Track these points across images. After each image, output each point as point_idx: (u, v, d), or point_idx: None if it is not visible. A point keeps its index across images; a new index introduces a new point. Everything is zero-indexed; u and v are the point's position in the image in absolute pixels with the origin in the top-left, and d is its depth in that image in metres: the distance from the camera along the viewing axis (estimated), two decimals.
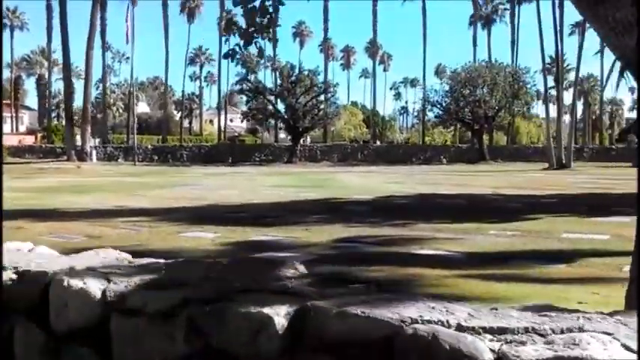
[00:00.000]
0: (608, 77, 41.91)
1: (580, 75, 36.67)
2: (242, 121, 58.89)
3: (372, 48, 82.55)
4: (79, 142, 43.99)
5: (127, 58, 59.55)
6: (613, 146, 51.85)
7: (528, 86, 45.36)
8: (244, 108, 52.26)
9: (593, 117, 72.79)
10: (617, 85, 34.26)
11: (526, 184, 20.05)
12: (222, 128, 66.57)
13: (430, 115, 50.31)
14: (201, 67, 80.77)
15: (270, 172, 29.88)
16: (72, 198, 14.57)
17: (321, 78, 49.46)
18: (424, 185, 19.36)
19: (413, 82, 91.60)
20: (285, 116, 45.28)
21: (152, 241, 7.69)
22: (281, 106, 46.33)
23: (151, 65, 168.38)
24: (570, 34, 65.64)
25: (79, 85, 54.13)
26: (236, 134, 71.55)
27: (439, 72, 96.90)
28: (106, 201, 13.55)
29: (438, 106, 46.85)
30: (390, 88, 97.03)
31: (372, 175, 27.35)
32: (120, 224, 9.33)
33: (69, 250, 6.66)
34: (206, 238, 8.00)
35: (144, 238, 7.95)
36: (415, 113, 79.78)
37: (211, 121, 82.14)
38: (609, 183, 19.07)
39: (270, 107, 46.26)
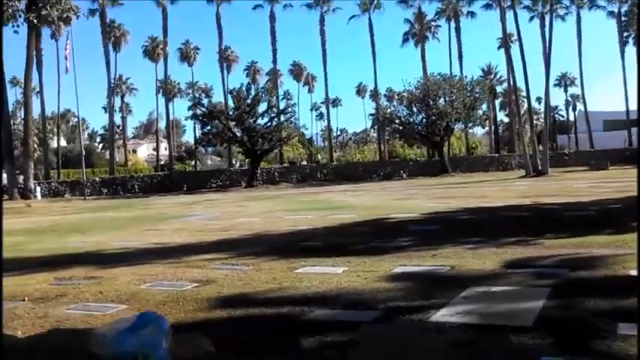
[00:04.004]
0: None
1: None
2: (165, 150, 56.79)
3: (295, 70, 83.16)
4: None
5: (38, 92, 55.54)
6: (566, 151, 53.56)
7: (483, 97, 45.94)
8: (186, 134, 50.04)
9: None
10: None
11: (539, 192, 19.55)
12: (167, 156, 63.63)
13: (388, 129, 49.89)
14: (122, 97, 76.61)
15: (246, 198, 28.21)
16: (79, 238, 12.59)
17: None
18: (443, 199, 18.48)
19: (335, 102, 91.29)
20: (244, 139, 43.57)
21: (282, 282, 6.17)
22: (236, 130, 44.63)
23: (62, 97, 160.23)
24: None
25: None
26: (162, 163, 68.61)
27: (360, 91, 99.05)
28: (127, 240, 11.68)
29: (397, 121, 46.52)
30: (311, 109, 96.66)
31: (361, 193, 26.31)
32: (200, 263, 7.71)
33: (224, 302, 5.14)
34: (335, 273, 6.56)
35: (264, 279, 6.40)
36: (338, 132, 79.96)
37: (134, 151, 78.88)
38: (617, 186, 18.93)
39: (227, 131, 44.38)
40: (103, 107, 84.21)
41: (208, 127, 44.93)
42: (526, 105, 41.46)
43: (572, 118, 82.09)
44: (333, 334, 4.00)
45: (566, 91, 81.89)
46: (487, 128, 74.73)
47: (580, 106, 77.18)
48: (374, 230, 11.14)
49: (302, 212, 16.17)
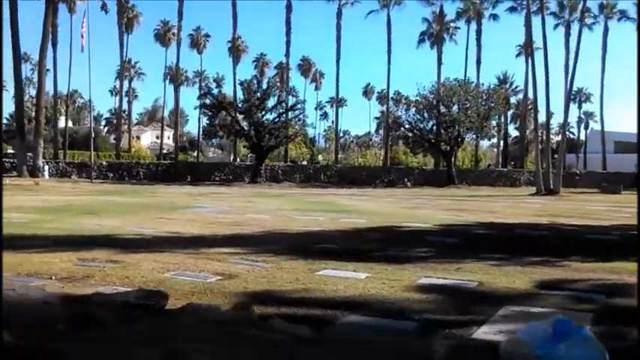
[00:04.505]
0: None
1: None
2: (170, 139, 56.04)
3: (304, 65, 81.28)
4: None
5: (48, 69, 55.14)
6: (577, 171, 52.94)
7: (498, 107, 44.91)
8: (188, 123, 49.76)
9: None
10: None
11: (554, 211, 19.25)
12: (171, 145, 63.40)
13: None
14: (130, 81, 74.80)
15: (252, 194, 28.08)
16: (93, 220, 12.55)
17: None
18: (453, 211, 18.30)
19: (340, 102, 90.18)
20: (250, 134, 43.32)
21: (306, 283, 6.02)
22: (244, 123, 44.38)
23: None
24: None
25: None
26: (165, 151, 68.52)
27: (367, 92, 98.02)
28: (141, 226, 11.56)
29: (407, 126, 45.78)
30: (315, 108, 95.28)
31: (367, 198, 26.16)
32: (219, 257, 7.60)
33: (252, 298, 5.01)
34: (358, 279, 6.41)
35: (287, 278, 6.25)
36: (341, 134, 78.81)
37: (138, 138, 78.52)
38: (634, 212, 18.58)
39: (235, 124, 44.10)
40: (110, 90, 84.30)
41: (216, 119, 44.50)
42: (542, 119, 39.99)
43: (582, 136, 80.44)
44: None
45: (580, 107, 79.71)
46: (493, 141, 72.35)
47: (594, 125, 75.92)
48: (388, 237, 10.99)
49: (311, 213, 16.02)
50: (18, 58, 39.13)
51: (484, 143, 58.08)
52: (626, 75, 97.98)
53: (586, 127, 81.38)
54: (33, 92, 66.00)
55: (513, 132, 76.58)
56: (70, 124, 75.25)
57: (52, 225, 11.27)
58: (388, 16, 57.62)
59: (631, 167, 51.41)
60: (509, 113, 68.70)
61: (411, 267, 7.31)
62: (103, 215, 14.02)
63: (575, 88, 71.82)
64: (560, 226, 14.28)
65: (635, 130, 55.31)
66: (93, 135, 44.44)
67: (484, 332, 4.20)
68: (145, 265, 6.76)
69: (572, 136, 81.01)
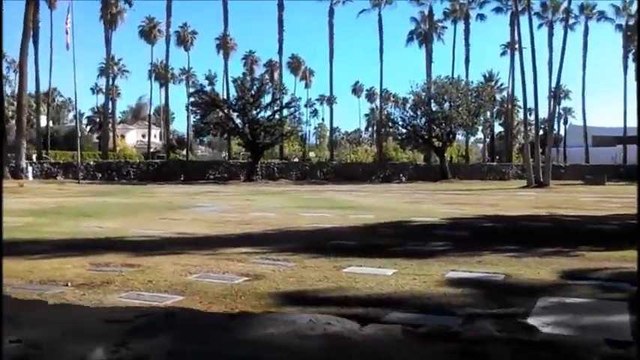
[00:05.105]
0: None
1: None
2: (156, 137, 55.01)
3: (294, 63, 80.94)
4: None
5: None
6: (562, 164, 53.72)
7: (487, 104, 45.62)
8: (175, 121, 49.16)
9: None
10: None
11: (549, 203, 19.46)
12: (158, 143, 62.97)
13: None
14: (114, 78, 72.62)
15: (250, 192, 27.96)
16: (92, 223, 12.33)
17: None
18: (454, 205, 18.37)
19: (330, 100, 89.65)
20: (245, 131, 43.12)
21: (337, 282, 5.97)
22: (237, 121, 44.14)
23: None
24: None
25: None
26: (152, 150, 67.82)
27: (356, 90, 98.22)
28: (144, 227, 11.42)
29: (401, 123, 46.21)
30: (305, 105, 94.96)
31: (365, 194, 26.20)
32: (238, 257, 7.51)
33: (288, 298, 4.95)
34: (386, 275, 6.38)
35: (316, 277, 6.20)
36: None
37: (123, 136, 77.67)
38: (624, 202, 18.87)
39: (229, 121, 43.86)
40: (91, 88, 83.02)
41: (208, 116, 44.18)
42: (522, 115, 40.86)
43: (561, 131, 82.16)
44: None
45: (559, 103, 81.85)
46: (478, 136, 73.54)
47: (573, 120, 77.58)
48: (400, 232, 10.97)
49: (317, 210, 15.97)
50: None
51: (471, 138, 58.76)
52: (599, 73, 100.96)
53: (565, 122, 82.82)
54: (8, 90, 64.15)
55: (497, 127, 77.92)
56: (50, 123, 74.08)
57: (50, 229, 10.99)
58: (379, 15, 58.33)
59: (607, 159, 52.58)
60: (494, 110, 69.90)
61: (433, 261, 7.30)
62: (101, 217, 13.69)
63: (554, 85, 73.47)
64: (561, 217, 14.40)
65: (612, 125, 56.42)
66: (79, 134, 43.81)
67: (531, 325, 4.18)
68: (164, 268, 6.62)
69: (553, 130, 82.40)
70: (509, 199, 21.86)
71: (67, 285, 5.73)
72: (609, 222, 12.90)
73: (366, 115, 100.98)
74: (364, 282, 5.94)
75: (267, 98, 44.00)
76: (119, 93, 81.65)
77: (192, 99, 47.05)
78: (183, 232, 10.67)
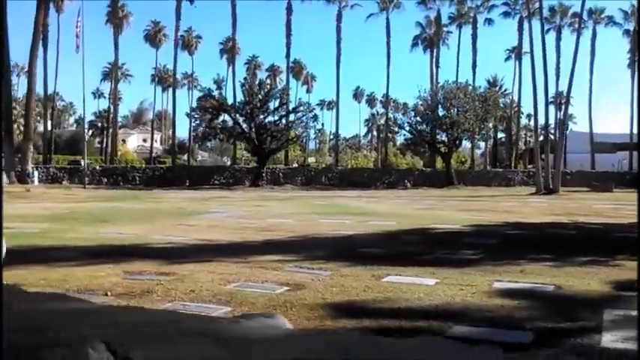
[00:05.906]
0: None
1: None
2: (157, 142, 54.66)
3: (296, 67, 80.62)
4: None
5: (27, 71, 53.92)
6: (568, 170, 53.39)
7: (494, 109, 45.33)
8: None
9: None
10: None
11: (566, 210, 19.17)
12: (159, 148, 62.72)
13: (400, 138, 49.37)
14: (117, 82, 70.09)
15: (258, 197, 27.75)
16: (110, 229, 12.12)
17: None
18: (470, 212, 18.16)
19: (330, 105, 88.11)
20: (251, 136, 42.86)
21: (383, 292, 5.75)
22: (244, 125, 43.86)
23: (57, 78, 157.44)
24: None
25: None
26: (154, 155, 67.50)
27: (357, 95, 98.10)
28: (164, 234, 11.22)
29: (408, 128, 46.00)
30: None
31: (376, 200, 25.96)
32: (272, 265, 7.30)
33: (339, 310, 4.73)
34: (429, 285, 6.17)
35: (358, 287, 5.98)
36: (331, 136, 77.65)
37: (124, 141, 77.43)
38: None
39: (236, 126, 43.60)
40: (93, 92, 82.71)
41: (215, 121, 43.99)
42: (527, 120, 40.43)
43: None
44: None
45: (559, 109, 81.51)
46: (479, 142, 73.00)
47: (574, 127, 77.18)
48: (426, 240, 10.76)
49: (333, 216, 15.74)
50: (7, 56, 38.16)
51: (467, 145, 58.18)
52: (600, 79, 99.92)
53: (566, 128, 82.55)
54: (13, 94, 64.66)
55: (498, 133, 77.57)
56: (50, 127, 73.66)
57: (71, 235, 10.77)
58: (387, 20, 57.65)
59: (608, 166, 52.39)
60: (498, 115, 69.72)
61: (472, 270, 7.08)
62: (118, 223, 13.55)
63: (553, 92, 73.36)
64: (584, 225, 14.16)
65: (610, 131, 56.18)
66: (87, 138, 43.67)
67: (611, 341, 3.98)
68: (201, 277, 6.42)
69: (552, 137, 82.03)
70: (523, 206, 21.64)
71: (106, 294, 5.57)
72: (633, 230, 12.66)
73: (367, 120, 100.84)
74: (410, 292, 5.73)
75: (275, 103, 43.80)
76: (121, 97, 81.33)
77: (198, 103, 46.76)
78: (205, 238, 10.48)
